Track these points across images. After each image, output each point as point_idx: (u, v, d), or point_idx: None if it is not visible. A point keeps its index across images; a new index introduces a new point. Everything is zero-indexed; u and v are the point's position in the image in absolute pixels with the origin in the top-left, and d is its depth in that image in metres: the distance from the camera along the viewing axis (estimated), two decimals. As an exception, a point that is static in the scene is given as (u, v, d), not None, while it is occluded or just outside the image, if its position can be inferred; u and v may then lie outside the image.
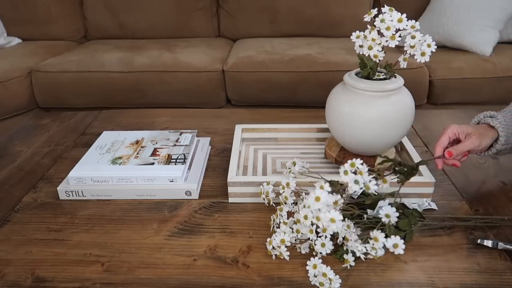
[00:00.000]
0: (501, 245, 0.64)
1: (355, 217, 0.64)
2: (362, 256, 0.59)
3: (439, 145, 0.72)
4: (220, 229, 0.70)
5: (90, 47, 2.05)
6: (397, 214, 0.60)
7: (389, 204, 0.66)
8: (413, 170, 0.66)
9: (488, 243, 0.64)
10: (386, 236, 0.58)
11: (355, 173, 0.59)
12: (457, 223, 0.68)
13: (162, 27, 2.18)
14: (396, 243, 0.56)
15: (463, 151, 0.70)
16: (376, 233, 0.58)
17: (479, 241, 0.64)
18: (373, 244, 0.58)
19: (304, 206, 0.61)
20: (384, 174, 0.67)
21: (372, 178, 0.60)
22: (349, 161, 0.59)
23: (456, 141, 0.73)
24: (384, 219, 0.60)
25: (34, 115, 1.79)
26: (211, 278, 0.60)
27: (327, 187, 0.57)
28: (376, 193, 0.71)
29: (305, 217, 0.60)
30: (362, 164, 0.59)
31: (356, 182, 0.57)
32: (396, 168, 0.67)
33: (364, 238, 0.59)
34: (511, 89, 1.73)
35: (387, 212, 0.60)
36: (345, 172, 0.58)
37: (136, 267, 0.62)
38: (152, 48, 1.95)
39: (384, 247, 0.57)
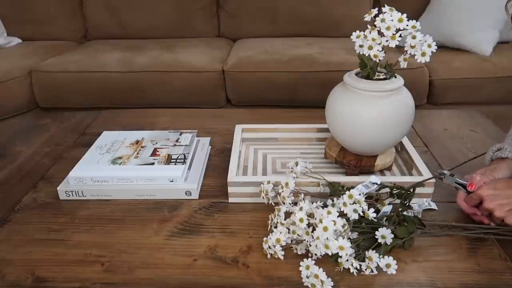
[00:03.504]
0: (456, 179, 0.69)
1: (355, 221, 0.64)
2: (355, 272, 0.59)
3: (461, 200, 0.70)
4: (220, 229, 0.70)
5: (90, 47, 2.05)
6: (392, 236, 0.61)
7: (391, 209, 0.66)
8: (409, 193, 0.68)
9: (447, 176, 0.69)
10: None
11: (354, 202, 0.62)
12: (458, 232, 0.67)
13: (162, 27, 2.18)
14: (389, 263, 0.58)
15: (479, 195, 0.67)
16: (371, 253, 0.59)
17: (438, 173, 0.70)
18: (368, 263, 0.59)
19: (300, 209, 0.62)
20: (383, 198, 0.69)
21: (370, 203, 0.64)
22: (347, 193, 0.63)
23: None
24: (380, 240, 0.61)
25: (34, 115, 1.79)
26: (211, 278, 0.60)
27: (334, 212, 0.60)
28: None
29: (301, 220, 0.60)
30: (360, 194, 0.63)
31: (355, 211, 0.62)
32: (393, 192, 0.69)
33: (361, 257, 0.60)
34: (511, 89, 1.73)
35: (382, 233, 0.61)
36: (344, 204, 0.62)
37: (136, 267, 0.62)
38: (152, 48, 1.95)
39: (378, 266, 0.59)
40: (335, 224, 0.58)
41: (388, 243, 0.61)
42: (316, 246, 0.59)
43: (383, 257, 0.59)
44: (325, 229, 0.57)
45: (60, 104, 1.82)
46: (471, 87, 1.73)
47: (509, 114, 1.73)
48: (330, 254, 0.58)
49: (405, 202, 0.69)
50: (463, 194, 0.70)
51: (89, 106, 1.80)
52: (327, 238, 0.57)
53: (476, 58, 1.78)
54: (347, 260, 0.59)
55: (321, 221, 0.58)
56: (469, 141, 0.98)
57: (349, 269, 0.59)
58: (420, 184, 0.70)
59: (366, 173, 0.80)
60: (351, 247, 0.58)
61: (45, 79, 1.79)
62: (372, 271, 0.59)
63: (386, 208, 0.66)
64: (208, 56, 1.87)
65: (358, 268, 0.59)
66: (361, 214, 0.62)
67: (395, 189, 0.69)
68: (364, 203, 0.62)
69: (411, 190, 0.69)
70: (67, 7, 2.20)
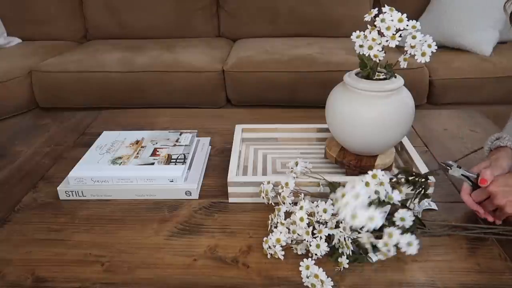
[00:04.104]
0: (463, 172, 0.68)
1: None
2: (372, 256, 0.57)
3: (465, 193, 0.69)
4: (220, 229, 0.70)
5: (90, 47, 2.05)
6: (413, 218, 0.57)
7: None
8: (425, 180, 0.66)
9: (454, 168, 0.68)
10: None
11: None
12: (458, 232, 0.67)
13: (162, 27, 2.18)
14: (411, 242, 0.53)
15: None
16: (391, 229, 0.54)
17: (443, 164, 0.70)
18: (386, 241, 0.53)
19: (301, 208, 0.61)
20: (400, 184, 0.65)
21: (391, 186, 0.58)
22: (370, 173, 0.57)
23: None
24: (399, 222, 0.56)
25: (34, 115, 1.79)
26: (211, 278, 0.60)
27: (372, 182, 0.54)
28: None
29: (301, 219, 0.60)
30: (383, 174, 0.56)
31: (377, 192, 0.55)
32: (410, 179, 0.65)
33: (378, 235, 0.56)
34: (511, 89, 1.73)
35: (402, 215, 0.56)
36: (367, 184, 0.55)
37: (136, 267, 0.62)
38: (152, 48, 1.95)
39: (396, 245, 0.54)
40: (357, 198, 0.51)
41: (407, 226, 0.56)
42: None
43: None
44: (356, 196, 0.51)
45: (60, 104, 1.82)
46: (471, 87, 1.73)
47: (509, 114, 1.72)
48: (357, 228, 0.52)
49: (421, 190, 0.65)
50: (468, 187, 0.69)
51: (89, 106, 1.80)
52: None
53: (476, 58, 1.78)
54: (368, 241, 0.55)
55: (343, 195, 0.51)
56: (469, 141, 0.98)
57: (349, 268, 0.59)
58: (434, 172, 0.69)
59: (366, 173, 0.80)
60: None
61: (45, 79, 1.79)
62: (389, 250, 0.54)
63: (385, 209, 0.65)
64: (208, 56, 1.87)
65: (375, 245, 0.55)
66: (384, 198, 0.56)
67: (410, 176, 0.66)
68: (388, 185, 0.56)
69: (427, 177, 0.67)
70: (67, 7, 2.20)
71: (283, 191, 0.69)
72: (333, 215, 0.62)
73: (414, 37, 0.68)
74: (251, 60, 1.79)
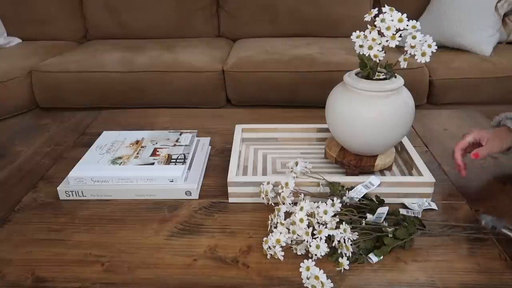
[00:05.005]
0: (501, 225, 0.63)
1: (354, 220, 0.64)
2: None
3: (459, 148, 0.78)
4: (220, 229, 0.70)
5: (90, 47, 2.05)
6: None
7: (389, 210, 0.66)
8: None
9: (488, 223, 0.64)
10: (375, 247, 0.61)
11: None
12: (458, 232, 0.67)
13: (162, 27, 2.18)
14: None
15: (488, 154, 0.76)
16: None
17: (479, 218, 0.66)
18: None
19: (301, 209, 0.61)
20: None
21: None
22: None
23: (476, 145, 0.78)
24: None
25: (34, 115, 1.79)
26: (211, 278, 0.60)
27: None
28: (378, 199, 0.71)
29: (301, 220, 0.60)
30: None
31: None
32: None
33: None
34: (511, 89, 1.73)
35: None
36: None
37: (136, 267, 0.62)
38: (152, 48, 1.95)
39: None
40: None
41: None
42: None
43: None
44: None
45: (60, 104, 1.82)
46: (471, 87, 1.73)
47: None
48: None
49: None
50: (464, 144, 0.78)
51: (89, 106, 1.80)
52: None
53: (476, 58, 1.78)
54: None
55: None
56: (469, 141, 0.98)
57: (349, 268, 0.59)
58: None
59: (366, 173, 0.80)
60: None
61: (45, 79, 1.79)
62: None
63: (383, 210, 0.66)
64: (208, 56, 1.87)
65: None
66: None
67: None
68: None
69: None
70: (67, 7, 2.20)
71: (283, 191, 0.69)
72: (334, 216, 0.62)
73: (414, 37, 0.68)
74: (251, 60, 1.79)
